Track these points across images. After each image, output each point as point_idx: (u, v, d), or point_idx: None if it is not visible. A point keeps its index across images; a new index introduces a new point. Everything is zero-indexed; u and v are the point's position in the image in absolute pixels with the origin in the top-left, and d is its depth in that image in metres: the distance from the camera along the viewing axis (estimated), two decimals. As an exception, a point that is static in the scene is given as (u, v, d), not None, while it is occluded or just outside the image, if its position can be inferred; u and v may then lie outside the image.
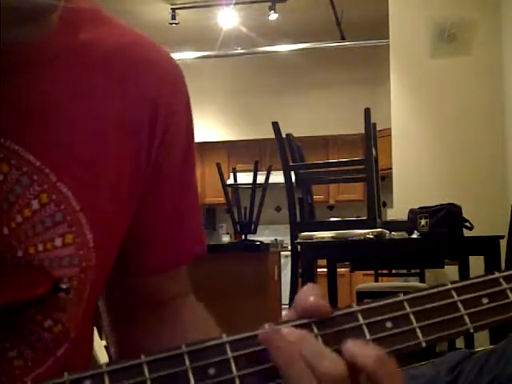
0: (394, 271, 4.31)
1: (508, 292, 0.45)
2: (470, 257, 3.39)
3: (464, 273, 3.59)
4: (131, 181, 0.60)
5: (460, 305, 0.44)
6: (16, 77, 0.54)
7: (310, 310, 0.43)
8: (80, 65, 0.57)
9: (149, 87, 0.62)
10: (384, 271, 4.33)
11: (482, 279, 0.46)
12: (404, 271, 4.25)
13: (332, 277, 3.71)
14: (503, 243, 2.89)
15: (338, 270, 3.85)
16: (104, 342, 2.47)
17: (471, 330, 0.44)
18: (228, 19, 6.05)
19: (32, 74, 0.54)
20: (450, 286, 0.45)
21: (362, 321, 0.43)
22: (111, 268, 0.62)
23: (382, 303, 0.44)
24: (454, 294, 0.45)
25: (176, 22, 5.91)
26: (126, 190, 0.60)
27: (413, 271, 4.18)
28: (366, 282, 4.62)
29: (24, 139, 0.53)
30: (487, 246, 2.67)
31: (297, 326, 0.42)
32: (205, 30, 6.27)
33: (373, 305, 0.44)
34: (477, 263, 3.07)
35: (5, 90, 0.52)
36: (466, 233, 2.95)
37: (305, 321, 0.43)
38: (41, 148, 0.54)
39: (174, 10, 5.89)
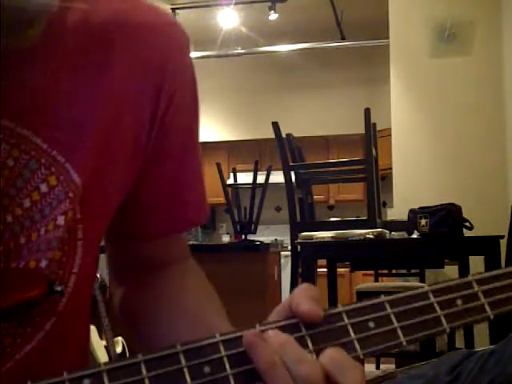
0: (394, 271, 4.31)
1: (480, 294, 0.48)
2: (470, 257, 3.39)
3: (464, 273, 3.59)
4: (131, 154, 0.60)
5: (437, 306, 0.47)
6: (18, 62, 0.53)
7: (301, 316, 0.45)
8: (77, 47, 0.56)
9: (153, 55, 0.59)
10: (384, 271, 4.32)
11: (457, 282, 0.48)
12: (404, 271, 4.25)
13: (332, 277, 3.70)
14: (503, 243, 2.89)
15: (338, 270, 3.84)
16: (104, 342, 2.47)
17: (447, 331, 0.46)
18: (228, 19, 6.05)
19: (33, 61, 0.54)
20: (427, 289, 0.47)
21: (346, 321, 0.45)
22: (100, 240, 0.62)
23: (364, 304, 0.46)
24: (431, 296, 0.47)
25: (176, 22, 5.91)
26: (127, 162, 0.60)
27: (413, 271, 4.18)
28: (365, 281, 4.62)
29: (32, 123, 0.53)
30: (487, 246, 2.67)
31: (285, 326, 0.44)
32: (205, 30, 6.27)
33: (357, 305, 0.46)
34: (477, 263, 3.07)
35: (10, 76, 0.52)
36: (466, 233, 2.95)
37: (293, 321, 0.44)
38: (47, 130, 0.53)
39: (173, 10, 5.88)
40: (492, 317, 0.47)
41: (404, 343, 0.45)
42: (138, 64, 0.58)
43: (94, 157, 0.56)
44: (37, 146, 0.53)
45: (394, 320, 0.45)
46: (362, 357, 0.44)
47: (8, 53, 0.51)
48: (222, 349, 0.42)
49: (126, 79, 0.58)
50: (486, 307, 0.47)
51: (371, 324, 0.45)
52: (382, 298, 0.46)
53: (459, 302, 0.47)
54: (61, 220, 0.54)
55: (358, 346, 0.44)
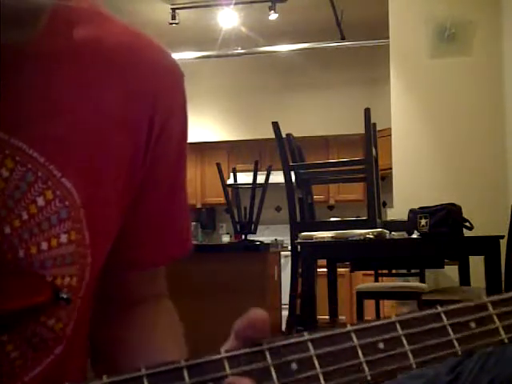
0: (394, 271, 4.31)
1: (494, 317, 0.46)
2: (470, 257, 3.39)
3: (464, 273, 3.59)
4: (128, 177, 0.61)
5: (449, 328, 0.45)
6: (18, 75, 0.53)
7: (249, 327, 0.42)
8: (81, 63, 0.57)
9: (148, 86, 0.62)
10: (384, 271, 4.32)
11: (471, 304, 0.47)
12: (404, 271, 4.25)
13: (332, 277, 3.71)
14: (503, 243, 2.89)
15: (338, 270, 3.85)
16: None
17: (459, 354, 0.45)
18: (228, 19, 6.05)
19: (33, 72, 0.54)
20: (440, 310, 0.46)
21: (356, 342, 0.43)
22: (103, 264, 0.61)
23: (375, 324, 0.44)
24: (443, 317, 0.46)
25: (176, 21, 5.91)
26: (124, 187, 0.60)
27: (413, 271, 4.17)
28: (365, 281, 4.62)
29: (28, 136, 0.53)
30: (487, 246, 2.67)
31: (292, 345, 0.42)
32: (205, 30, 6.27)
33: (367, 325, 0.44)
34: (477, 263, 3.08)
35: (8, 87, 0.52)
36: (466, 233, 2.95)
37: (256, 348, 0.42)
38: (44, 144, 0.53)
39: (174, 10, 5.88)
40: (506, 340, 0.46)
41: (414, 366, 0.43)
42: (134, 92, 0.61)
43: (90, 172, 0.56)
44: (33, 159, 0.52)
45: (404, 342, 0.44)
46: (369, 378, 0.42)
47: (8, 57, 0.51)
48: (226, 366, 0.40)
49: (123, 104, 0.60)
50: (501, 330, 0.46)
51: (381, 345, 0.43)
52: (394, 318, 0.45)
53: (473, 324, 0.46)
54: (64, 238, 0.54)
55: (366, 368, 0.43)
